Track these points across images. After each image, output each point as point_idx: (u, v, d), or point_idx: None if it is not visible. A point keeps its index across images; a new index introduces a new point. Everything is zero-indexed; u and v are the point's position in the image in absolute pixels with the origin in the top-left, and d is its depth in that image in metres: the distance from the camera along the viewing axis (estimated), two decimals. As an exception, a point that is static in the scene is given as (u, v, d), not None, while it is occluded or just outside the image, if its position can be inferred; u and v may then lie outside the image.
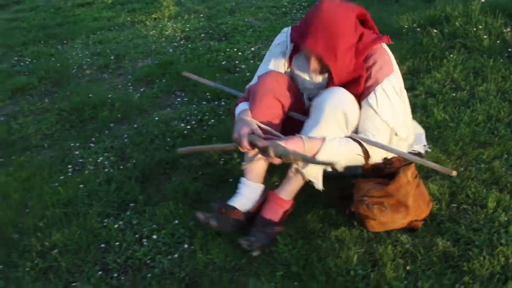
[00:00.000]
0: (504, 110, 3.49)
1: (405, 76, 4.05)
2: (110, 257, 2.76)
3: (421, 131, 3.14)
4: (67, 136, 4.12)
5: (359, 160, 2.68)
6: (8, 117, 4.60)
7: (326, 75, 2.75)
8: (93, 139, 3.97)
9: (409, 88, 3.88)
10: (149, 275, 2.61)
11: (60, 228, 3.01)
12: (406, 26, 4.83)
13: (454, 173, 2.46)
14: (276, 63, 2.91)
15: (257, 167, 2.81)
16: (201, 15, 6.49)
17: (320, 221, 2.78)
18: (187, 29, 6.05)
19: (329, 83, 2.72)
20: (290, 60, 2.88)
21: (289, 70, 2.91)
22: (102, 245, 2.84)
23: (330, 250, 2.57)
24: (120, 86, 4.87)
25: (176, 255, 2.70)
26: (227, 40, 5.49)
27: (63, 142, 4.03)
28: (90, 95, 4.61)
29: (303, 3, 6.18)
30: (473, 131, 3.30)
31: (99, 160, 3.66)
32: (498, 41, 4.31)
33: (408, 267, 2.43)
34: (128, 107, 4.37)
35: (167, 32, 6.07)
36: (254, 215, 2.76)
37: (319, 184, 2.69)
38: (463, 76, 3.92)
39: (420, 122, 3.43)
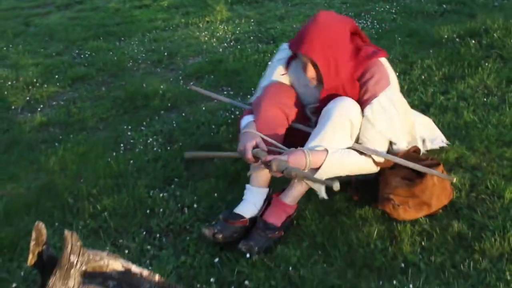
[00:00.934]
0: (531, 114, 3.66)
1: (440, 81, 4.27)
2: (154, 221, 3.06)
3: (438, 132, 3.36)
4: (120, 120, 4.47)
5: (367, 169, 2.81)
6: (67, 102, 4.99)
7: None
8: (144, 123, 4.31)
9: (443, 92, 4.09)
10: (187, 238, 2.90)
11: (110, 195, 3.33)
12: (446, 37, 5.02)
13: (454, 179, 2.79)
14: (278, 76, 3.01)
15: (262, 174, 2.89)
16: (252, 20, 6.79)
17: (346, 201, 3.01)
18: (237, 32, 6.37)
19: (322, 91, 2.81)
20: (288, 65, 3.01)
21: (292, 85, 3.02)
22: (148, 211, 3.15)
23: (353, 226, 2.82)
24: (171, 80, 5.21)
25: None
26: (275, 43, 5.77)
27: (116, 125, 4.37)
28: (144, 85, 4.95)
29: (350, 13, 6.41)
30: (499, 132, 3.48)
31: (148, 141, 3.98)
32: (534, 53, 4.49)
33: (423, 244, 2.65)
34: (177, 97, 4.69)
35: (218, 34, 6.40)
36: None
37: (322, 193, 2.78)
38: (496, 83, 4.09)
39: (450, 123, 3.65)
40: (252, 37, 6.12)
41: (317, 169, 2.65)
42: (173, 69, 5.57)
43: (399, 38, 5.29)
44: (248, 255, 2.68)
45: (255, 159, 2.71)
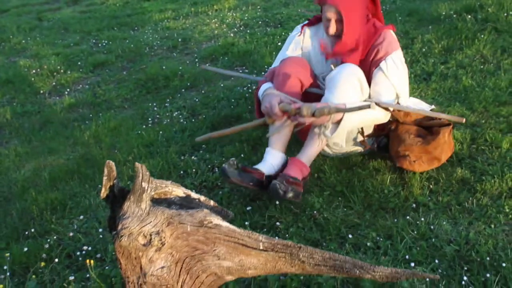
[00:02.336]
0: (525, 78, 4.01)
1: (440, 53, 4.62)
2: (188, 180, 3.40)
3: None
4: (144, 99, 4.81)
5: (381, 117, 3.06)
6: (92, 85, 5.34)
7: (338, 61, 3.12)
8: (167, 100, 4.66)
9: (443, 62, 4.45)
10: (220, 192, 3.24)
11: (145, 160, 3.67)
12: (443, 13, 5.37)
13: (463, 120, 3.01)
14: (293, 50, 3.28)
15: (281, 137, 3.09)
16: (258, 7, 7.14)
17: (360, 156, 3.35)
18: (245, 18, 6.72)
19: (338, 43, 3.04)
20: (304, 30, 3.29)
21: (306, 52, 3.27)
22: (181, 172, 3.49)
23: (368, 175, 3.16)
24: (188, 62, 5.55)
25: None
26: (282, 27, 6.12)
27: (141, 103, 4.72)
28: (164, 67, 5.30)
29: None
30: (496, 94, 3.82)
31: (174, 115, 4.33)
32: (526, 25, 4.85)
33: (431, 187, 3.00)
34: (196, 78, 5.05)
35: (227, 21, 6.75)
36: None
37: (343, 144, 3.08)
38: (491, 53, 4.45)
39: (450, 88, 4.00)
40: (260, 22, 6.47)
41: (338, 123, 2.90)
42: (188, 53, 5.92)
43: (400, 18, 5.64)
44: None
45: (283, 114, 2.90)
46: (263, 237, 1.96)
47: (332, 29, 3.00)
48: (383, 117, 3.07)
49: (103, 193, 2.04)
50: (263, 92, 3.09)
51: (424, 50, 4.71)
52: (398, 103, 3.05)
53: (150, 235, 1.88)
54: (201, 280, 2.02)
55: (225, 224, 1.96)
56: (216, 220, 1.96)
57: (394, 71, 3.00)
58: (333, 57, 3.13)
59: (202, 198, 2.12)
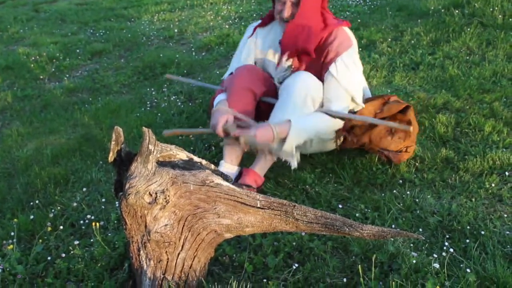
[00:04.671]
0: (508, 68, 4.20)
1: (428, 45, 4.81)
2: (186, 158, 3.54)
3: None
4: (142, 85, 4.97)
5: (333, 126, 3.01)
6: (90, 72, 5.50)
7: (291, 61, 3.10)
8: (164, 86, 4.82)
9: (430, 53, 4.64)
10: (217, 169, 3.39)
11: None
12: (432, 8, 5.58)
13: (411, 128, 2.95)
14: (247, 55, 3.25)
15: (234, 150, 3.07)
16: (252, 0, 7.31)
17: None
18: (240, 11, 6.90)
19: (289, 24, 2.99)
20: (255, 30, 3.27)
21: (260, 56, 3.25)
22: (179, 151, 3.63)
23: (358, 154, 3.32)
24: (184, 51, 5.72)
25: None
26: (276, 20, 6.29)
27: (139, 89, 4.88)
28: (161, 55, 5.45)
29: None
30: (480, 82, 4.01)
31: (171, 99, 4.49)
32: (511, 19, 5.03)
33: (417, 165, 3.17)
34: (192, 66, 5.21)
35: (222, 13, 6.92)
36: None
37: (294, 163, 2.99)
38: (477, 45, 4.64)
39: (437, 77, 4.19)
40: (254, 15, 6.64)
41: (285, 139, 2.87)
42: (184, 43, 6.09)
43: (390, 12, 5.82)
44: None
45: (226, 134, 2.91)
46: (260, 196, 2.11)
47: (287, 11, 2.97)
48: (335, 124, 3.02)
49: (111, 157, 2.17)
50: (216, 105, 3.08)
51: (413, 42, 4.90)
52: (353, 109, 3.06)
53: (156, 193, 2.01)
54: (202, 237, 2.17)
55: (225, 183, 2.12)
56: (218, 179, 2.11)
57: (345, 74, 2.96)
58: (284, 48, 3.09)
59: (204, 162, 2.27)
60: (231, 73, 3.24)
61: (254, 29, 3.26)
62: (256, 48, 3.26)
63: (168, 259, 2.15)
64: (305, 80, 2.93)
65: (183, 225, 2.12)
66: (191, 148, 3.63)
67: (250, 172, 3.04)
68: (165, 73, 5.11)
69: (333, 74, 2.95)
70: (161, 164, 2.18)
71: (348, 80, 2.97)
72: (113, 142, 2.17)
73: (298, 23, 2.96)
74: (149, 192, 2.00)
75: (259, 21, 3.28)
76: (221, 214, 2.11)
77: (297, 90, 2.91)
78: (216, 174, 2.18)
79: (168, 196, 2.03)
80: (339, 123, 3.02)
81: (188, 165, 2.24)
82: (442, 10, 5.46)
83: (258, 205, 2.10)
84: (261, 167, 3.07)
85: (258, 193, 2.13)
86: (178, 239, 2.13)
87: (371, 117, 3.06)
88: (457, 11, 5.31)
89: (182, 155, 2.25)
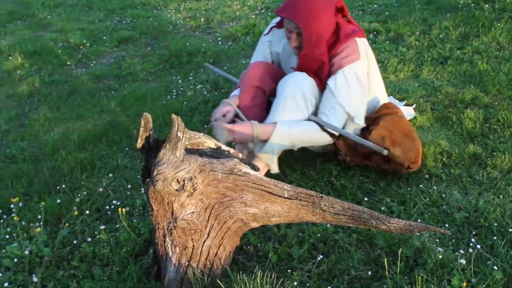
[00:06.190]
0: (539, 65, 4.15)
1: (456, 39, 4.75)
2: (211, 147, 3.55)
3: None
4: (168, 73, 4.99)
5: (321, 139, 2.88)
6: (117, 59, 5.53)
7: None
8: (191, 74, 4.83)
9: (459, 48, 4.59)
10: (242, 158, 3.39)
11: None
12: (462, 2, 5.50)
13: (385, 152, 2.82)
14: (264, 52, 3.20)
15: (243, 149, 3.02)
16: (279, -9, 7.29)
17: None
18: (266, 1, 6.89)
19: (299, 56, 2.87)
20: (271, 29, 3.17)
21: (275, 56, 3.19)
22: (205, 139, 3.64)
23: (384, 148, 3.30)
24: (210, 41, 5.73)
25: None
26: (303, 11, 6.26)
27: (165, 77, 4.90)
28: (187, 43, 5.47)
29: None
30: (510, 78, 3.95)
31: (197, 88, 4.50)
32: (542, 15, 4.98)
33: (444, 160, 3.14)
34: (218, 55, 5.21)
35: (249, 3, 6.91)
36: None
37: (274, 167, 2.91)
38: (507, 40, 4.58)
39: (465, 71, 4.14)
40: (281, 5, 6.60)
41: (266, 140, 2.80)
42: (210, 32, 6.09)
43: (418, 5, 5.76)
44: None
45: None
46: (288, 186, 2.11)
47: (294, 43, 2.86)
48: (322, 139, 2.90)
49: (139, 143, 2.17)
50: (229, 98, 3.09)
51: (441, 36, 4.85)
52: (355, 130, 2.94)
53: (183, 180, 2.02)
54: (228, 226, 2.18)
55: (253, 172, 2.12)
56: (245, 168, 2.11)
57: (343, 88, 2.82)
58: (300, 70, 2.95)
59: (232, 150, 2.27)
60: None
61: (270, 29, 3.20)
62: (271, 49, 3.20)
63: (193, 246, 2.16)
64: (298, 80, 2.83)
65: (210, 213, 2.13)
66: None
67: None
68: (192, 62, 5.13)
69: (331, 88, 2.82)
70: (189, 151, 2.19)
71: (347, 96, 2.81)
72: (141, 128, 2.17)
73: (308, 53, 2.82)
74: (177, 179, 2.01)
75: (278, 19, 3.19)
76: (248, 203, 2.11)
77: (289, 89, 2.82)
78: (244, 163, 2.19)
79: (196, 183, 2.04)
80: (326, 139, 2.89)
81: (216, 153, 2.25)
82: (472, 5, 5.39)
83: (286, 195, 2.10)
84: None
85: (286, 183, 2.12)
86: (204, 227, 2.14)
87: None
88: (487, 6, 5.24)
89: (210, 143, 2.26)
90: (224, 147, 2.27)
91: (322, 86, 2.89)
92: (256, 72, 3.05)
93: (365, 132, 2.95)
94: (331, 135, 2.87)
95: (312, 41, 2.76)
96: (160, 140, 2.21)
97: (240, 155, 2.29)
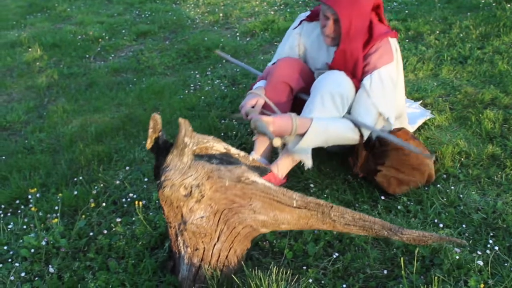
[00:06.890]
0: (560, 66, 4.10)
1: (477, 39, 4.71)
2: (228, 142, 3.53)
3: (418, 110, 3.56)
4: (186, 68, 5.00)
5: (351, 138, 2.85)
6: (135, 52, 5.54)
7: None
8: (209, 69, 4.84)
9: (479, 47, 4.55)
10: (258, 154, 3.39)
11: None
12: (483, 1, 5.46)
13: (433, 157, 2.84)
14: (292, 43, 3.16)
15: (264, 144, 3.03)
16: (298, -13, 7.27)
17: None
18: (286, -2, 6.87)
19: (336, 51, 2.85)
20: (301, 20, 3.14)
21: (303, 49, 3.15)
22: (221, 134, 3.64)
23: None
24: (228, 36, 5.73)
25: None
26: (322, 7, 6.24)
27: (183, 71, 4.91)
28: (205, 38, 5.47)
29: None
30: (531, 79, 3.92)
31: (215, 83, 4.50)
32: None
33: (462, 160, 3.12)
34: (236, 50, 5.21)
35: (267, -1, 6.90)
36: None
37: (308, 162, 2.85)
38: (529, 41, 4.54)
39: (485, 71, 4.11)
40: (300, 2, 6.60)
41: (303, 135, 2.76)
42: (228, 28, 6.09)
43: (439, 4, 5.72)
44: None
45: (246, 117, 2.84)
46: (296, 195, 2.09)
47: (329, 30, 2.82)
48: (354, 138, 2.87)
49: (149, 144, 2.18)
50: (253, 89, 3.06)
51: (461, 35, 4.81)
52: (383, 127, 2.94)
53: (191, 187, 1.99)
54: (238, 231, 2.17)
55: (261, 181, 2.09)
56: (253, 176, 2.08)
57: (378, 89, 2.81)
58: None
59: (242, 154, 2.23)
60: (274, 63, 3.19)
61: (300, 22, 3.16)
62: (300, 41, 3.15)
63: (204, 248, 2.16)
64: (336, 78, 2.80)
65: (219, 218, 2.12)
66: (234, 132, 3.64)
67: (270, 173, 2.87)
68: (210, 56, 5.13)
69: (366, 87, 2.80)
70: (197, 156, 2.15)
71: (380, 96, 2.81)
72: (150, 130, 2.16)
73: (345, 48, 2.80)
74: (184, 186, 1.99)
75: (308, 12, 3.19)
76: (257, 210, 2.10)
77: (326, 87, 2.78)
78: (253, 169, 2.16)
79: (203, 190, 2.01)
80: (355, 137, 2.85)
81: (225, 157, 2.22)
82: (493, 4, 5.34)
83: (294, 205, 2.08)
84: (281, 167, 2.93)
85: (295, 192, 2.10)
86: (214, 231, 2.13)
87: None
88: (509, 5, 5.19)
89: (219, 146, 2.21)
90: (233, 151, 2.24)
91: (358, 85, 2.86)
92: (286, 68, 3.02)
93: (372, 170, 2.93)
94: (360, 135, 2.85)
95: (350, 33, 2.74)
96: (168, 142, 2.20)
97: (251, 159, 2.26)
